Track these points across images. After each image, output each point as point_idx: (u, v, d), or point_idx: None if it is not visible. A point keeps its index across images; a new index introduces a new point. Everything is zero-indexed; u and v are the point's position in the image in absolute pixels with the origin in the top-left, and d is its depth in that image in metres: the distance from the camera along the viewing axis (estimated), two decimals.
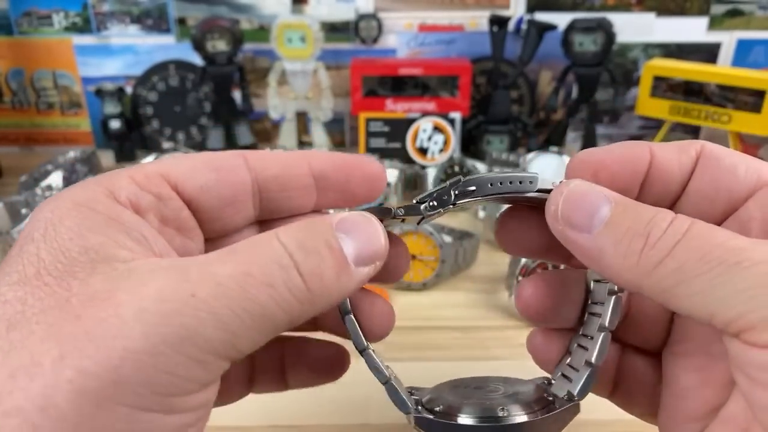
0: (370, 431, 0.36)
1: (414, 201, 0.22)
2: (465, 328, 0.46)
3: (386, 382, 0.23)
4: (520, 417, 0.22)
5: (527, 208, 0.25)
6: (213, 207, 0.22)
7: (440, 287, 0.53)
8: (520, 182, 0.21)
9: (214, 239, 0.24)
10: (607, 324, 0.23)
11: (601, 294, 0.24)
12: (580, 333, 0.25)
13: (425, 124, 0.76)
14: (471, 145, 0.81)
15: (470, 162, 0.69)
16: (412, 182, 0.72)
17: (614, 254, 0.19)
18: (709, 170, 0.22)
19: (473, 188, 0.21)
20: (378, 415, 0.37)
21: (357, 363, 0.39)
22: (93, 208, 0.19)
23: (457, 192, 0.22)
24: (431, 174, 0.70)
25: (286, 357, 0.26)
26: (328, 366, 0.27)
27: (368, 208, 0.22)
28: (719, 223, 0.22)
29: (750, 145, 0.79)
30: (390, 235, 0.22)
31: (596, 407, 0.38)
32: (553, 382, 0.25)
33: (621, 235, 0.19)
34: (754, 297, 0.17)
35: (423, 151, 0.77)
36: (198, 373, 0.17)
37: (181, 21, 0.83)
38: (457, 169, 0.69)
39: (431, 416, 0.22)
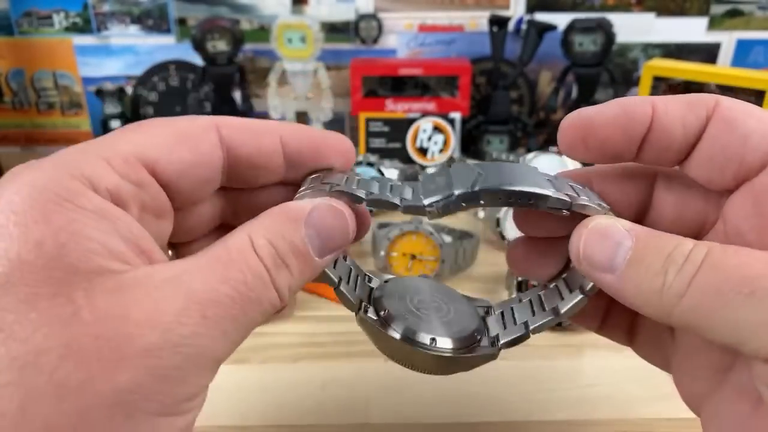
0: (370, 431, 0.36)
1: (420, 203, 0.22)
2: None
3: (336, 287, 0.24)
4: (442, 351, 0.24)
5: (540, 240, 0.25)
6: (187, 188, 0.22)
7: None
8: (530, 200, 0.21)
9: (179, 209, 0.23)
10: (587, 288, 0.23)
11: None
12: (563, 276, 0.25)
13: (425, 124, 0.76)
14: (471, 145, 0.81)
15: (470, 162, 0.69)
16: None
17: (637, 293, 0.20)
18: (720, 136, 0.21)
19: (483, 202, 0.22)
20: (378, 415, 0.37)
21: (357, 363, 0.40)
22: (75, 202, 0.18)
23: (464, 204, 0.22)
24: None
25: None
26: None
27: (345, 191, 0.22)
28: (732, 189, 0.21)
29: None
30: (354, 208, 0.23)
31: (597, 407, 0.39)
32: (493, 311, 0.27)
33: (642, 274, 0.19)
34: None
35: (423, 151, 0.77)
36: (208, 379, 0.19)
37: (182, 21, 0.83)
38: None
39: (371, 319, 0.25)
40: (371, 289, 0.26)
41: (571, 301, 0.23)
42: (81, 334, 0.16)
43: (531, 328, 0.24)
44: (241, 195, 0.25)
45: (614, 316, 0.26)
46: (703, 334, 0.19)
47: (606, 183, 0.24)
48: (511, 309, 0.26)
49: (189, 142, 0.21)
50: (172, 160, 0.21)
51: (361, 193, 0.22)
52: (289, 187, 0.25)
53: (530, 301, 0.26)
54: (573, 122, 0.23)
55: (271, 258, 0.20)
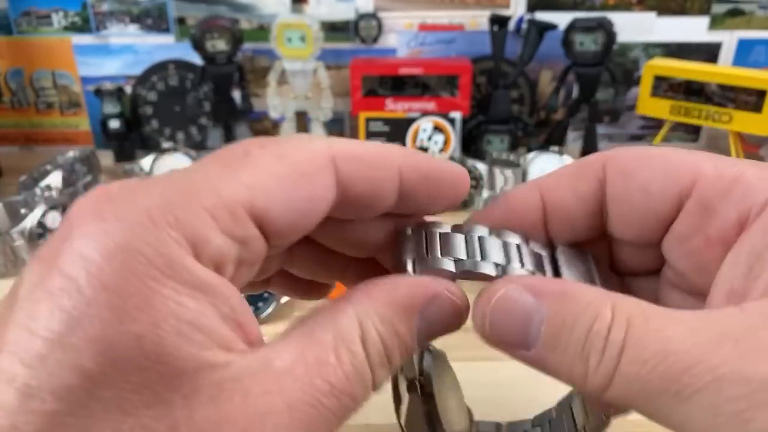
0: (370, 431, 0.36)
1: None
2: (465, 328, 0.46)
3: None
4: None
5: None
6: (291, 235, 0.19)
7: None
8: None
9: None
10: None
11: None
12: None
13: (425, 124, 0.76)
14: (471, 144, 0.81)
15: (470, 162, 0.69)
16: None
17: (561, 373, 0.18)
18: (621, 194, 0.20)
19: None
20: (379, 415, 0.37)
21: None
22: (178, 279, 0.15)
23: None
24: None
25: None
26: (312, 286, 0.26)
27: (474, 270, 0.20)
28: (659, 241, 0.21)
29: (751, 144, 0.79)
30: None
31: None
32: None
33: (561, 355, 0.17)
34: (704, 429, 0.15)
35: (423, 151, 0.77)
36: None
37: (181, 21, 0.83)
38: None
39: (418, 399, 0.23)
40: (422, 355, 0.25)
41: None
42: None
43: None
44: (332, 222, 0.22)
45: None
46: (634, 410, 0.17)
47: (556, 191, 0.23)
48: None
49: (305, 186, 0.18)
50: (284, 210, 0.17)
51: (491, 270, 0.20)
52: (386, 220, 0.22)
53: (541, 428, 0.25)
54: (482, 219, 0.22)
55: (380, 358, 0.18)
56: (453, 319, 0.20)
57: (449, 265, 0.20)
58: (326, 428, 0.17)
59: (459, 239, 0.21)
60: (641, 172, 0.20)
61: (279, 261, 0.24)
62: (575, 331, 0.17)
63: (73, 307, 0.14)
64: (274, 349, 0.17)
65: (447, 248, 0.20)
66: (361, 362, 0.18)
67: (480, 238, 0.21)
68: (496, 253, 0.20)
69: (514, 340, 0.18)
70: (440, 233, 0.21)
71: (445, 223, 0.22)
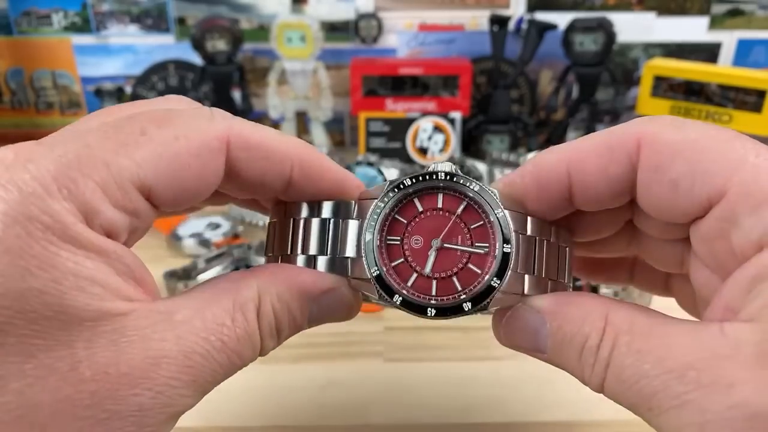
0: (370, 431, 0.36)
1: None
2: (465, 328, 0.46)
3: None
4: None
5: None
6: (177, 207, 0.21)
7: None
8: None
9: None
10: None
11: None
12: None
13: (425, 124, 0.76)
14: (471, 144, 0.81)
15: (470, 162, 0.69)
16: None
17: (568, 371, 0.21)
18: (650, 184, 0.20)
19: None
20: (378, 415, 0.37)
21: (357, 363, 0.40)
22: (74, 243, 0.17)
23: None
24: None
25: None
26: None
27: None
28: (685, 229, 0.21)
29: None
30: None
31: (596, 407, 0.38)
32: None
33: (565, 360, 0.21)
34: None
35: (423, 151, 0.77)
36: (172, 427, 0.20)
37: (181, 20, 0.83)
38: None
39: None
40: None
41: None
42: (78, 391, 0.17)
43: None
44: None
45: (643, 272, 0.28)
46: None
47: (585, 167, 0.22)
48: None
49: (194, 167, 0.20)
50: (172, 188, 0.19)
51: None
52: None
53: None
54: (507, 186, 0.23)
55: (270, 329, 0.21)
56: (343, 311, 0.23)
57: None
58: (212, 378, 0.19)
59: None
60: (673, 166, 0.20)
61: None
62: (573, 346, 0.20)
63: None
64: (175, 303, 0.19)
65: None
66: (252, 329, 0.20)
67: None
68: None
69: (528, 348, 0.22)
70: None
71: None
